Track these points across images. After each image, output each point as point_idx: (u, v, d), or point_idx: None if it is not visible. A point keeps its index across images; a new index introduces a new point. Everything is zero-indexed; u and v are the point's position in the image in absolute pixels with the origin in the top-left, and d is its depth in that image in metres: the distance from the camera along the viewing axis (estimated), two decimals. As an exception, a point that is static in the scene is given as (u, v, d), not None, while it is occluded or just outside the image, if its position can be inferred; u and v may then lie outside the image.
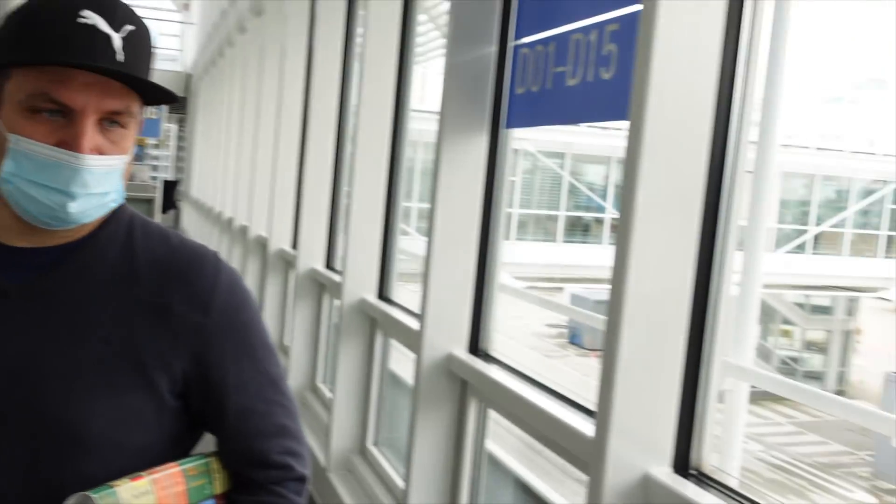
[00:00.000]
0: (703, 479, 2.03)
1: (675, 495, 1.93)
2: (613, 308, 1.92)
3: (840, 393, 25.73)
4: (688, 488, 1.96)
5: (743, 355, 3.49)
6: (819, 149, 22.45)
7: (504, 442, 3.52)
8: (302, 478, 1.38)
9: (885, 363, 24.57)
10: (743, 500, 1.97)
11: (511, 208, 17.54)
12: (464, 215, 3.07)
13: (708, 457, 2.05)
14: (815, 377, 26.21)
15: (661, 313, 1.94)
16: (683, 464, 2.03)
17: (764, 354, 27.09)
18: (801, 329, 26.81)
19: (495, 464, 3.44)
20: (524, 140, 16.18)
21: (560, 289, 19.75)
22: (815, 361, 27.04)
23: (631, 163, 1.88)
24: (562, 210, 19.43)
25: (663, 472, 1.99)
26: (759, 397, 23.20)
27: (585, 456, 2.08)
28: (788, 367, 26.75)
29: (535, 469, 3.55)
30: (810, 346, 27.07)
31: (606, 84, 2.36)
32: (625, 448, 1.96)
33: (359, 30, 5.22)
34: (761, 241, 3.94)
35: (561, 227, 19.55)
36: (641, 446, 1.98)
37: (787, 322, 26.89)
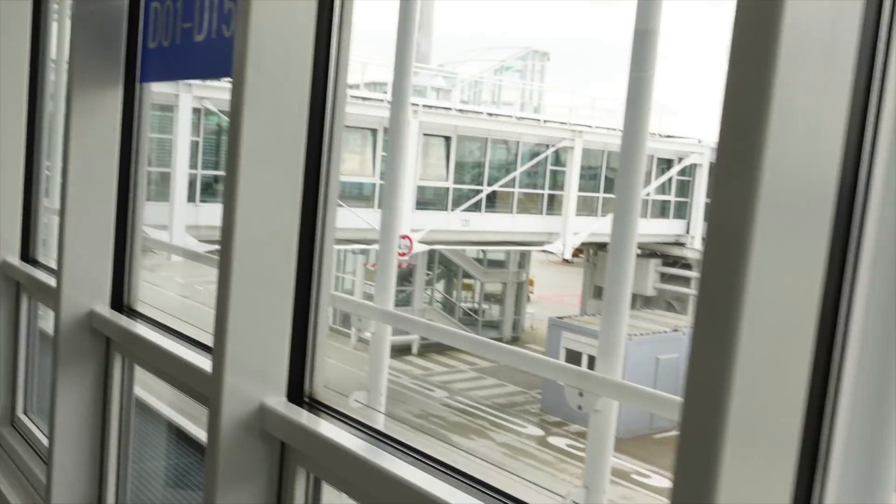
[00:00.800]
0: (317, 406, 2.24)
1: (289, 421, 2.12)
2: (224, 252, 2.05)
3: (515, 339, 28.15)
4: (302, 415, 2.16)
5: (386, 301, 3.81)
6: (490, 114, 24.12)
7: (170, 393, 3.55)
8: None
9: (550, 310, 27.32)
10: (352, 423, 2.20)
11: (196, 170, 17.06)
12: (100, 170, 3.03)
13: (320, 386, 2.26)
14: (493, 326, 28.44)
15: (270, 256, 2.10)
16: (298, 393, 2.22)
17: (449, 308, 28.87)
18: (481, 282, 28.89)
19: (150, 413, 3.48)
20: (205, 99, 15.76)
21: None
22: (493, 311, 29.31)
23: (234, 117, 2.01)
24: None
25: (278, 401, 2.17)
26: (445, 348, 24.75)
27: (206, 390, 2.20)
28: (471, 318, 28.75)
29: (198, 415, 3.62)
30: (489, 297, 29.28)
31: (228, 41, 2.46)
32: (241, 381, 2.11)
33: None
34: (403, 199, 4.25)
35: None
36: (257, 379, 2.14)
37: (468, 276, 28.84)
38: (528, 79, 27.21)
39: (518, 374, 23.05)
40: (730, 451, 1.06)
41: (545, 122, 24.74)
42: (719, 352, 1.05)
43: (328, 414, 2.22)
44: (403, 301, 27.09)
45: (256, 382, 2.14)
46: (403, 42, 3.48)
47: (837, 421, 1.19)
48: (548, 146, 24.87)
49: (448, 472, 1.94)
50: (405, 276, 27.44)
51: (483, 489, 1.82)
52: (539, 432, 20.85)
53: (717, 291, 1.06)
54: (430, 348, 25.61)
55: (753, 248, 1.04)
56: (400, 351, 25.69)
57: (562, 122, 24.49)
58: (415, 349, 25.75)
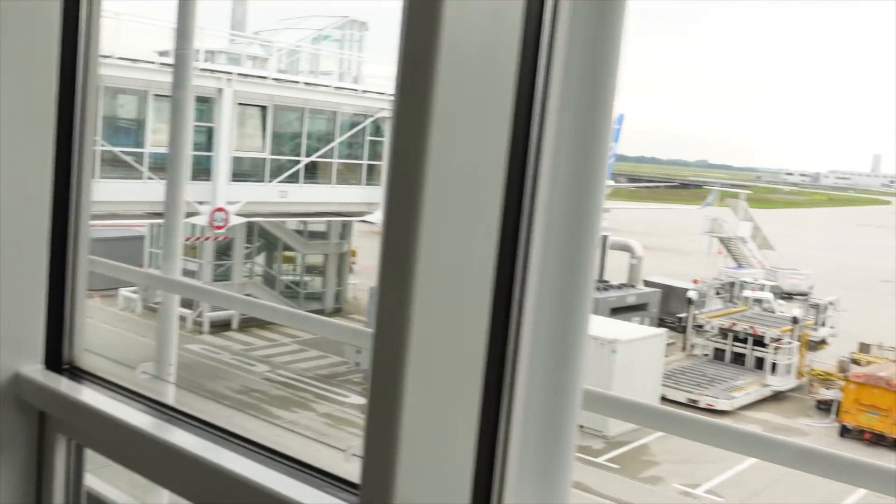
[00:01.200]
0: (77, 373, 2.23)
1: (47, 389, 2.10)
2: (-32, 219, 2.00)
3: (337, 310, 28.16)
4: (61, 383, 2.15)
5: (173, 270, 3.78)
6: (308, 84, 23.86)
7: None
8: None
9: (373, 280, 27.55)
10: (119, 389, 2.21)
11: None
12: None
13: (82, 353, 2.25)
14: (315, 298, 28.33)
15: (19, 222, 2.07)
16: (56, 360, 2.20)
17: (270, 281, 28.48)
18: (302, 255, 28.68)
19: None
20: None
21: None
22: (315, 283, 29.20)
23: (-26, 78, 1.96)
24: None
25: (35, 369, 2.15)
26: (266, 322, 24.42)
27: (-46, 363, 2.15)
28: (292, 291, 28.50)
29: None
30: (311, 269, 29.14)
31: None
32: (-9, 351, 2.07)
33: None
34: (183, 170, 4.17)
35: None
36: (10, 347, 2.11)
37: (289, 248, 28.54)
38: (346, 48, 27.07)
39: (341, 344, 23.14)
40: (412, 375, 1.19)
41: (364, 92, 24.76)
42: (399, 290, 1.18)
43: (89, 380, 2.22)
44: (223, 275, 26.48)
45: (10, 351, 2.10)
46: (185, 4, 3.42)
47: (521, 351, 1.35)
48: (366, 116, 24.92)
49: (226, 437, 1.98)
50: (223, 250, 26.81)
51: (265, 453, 1.85)
52: (362, 401, 21.10)
53: (396, 243, 1.19)
54: (251, 322, 25.22)
55: (425, 203, 1.17)
56: (219, 326, 25.15)
57: (380, 93, 24.60)
58: (235, 324, 25.29)
